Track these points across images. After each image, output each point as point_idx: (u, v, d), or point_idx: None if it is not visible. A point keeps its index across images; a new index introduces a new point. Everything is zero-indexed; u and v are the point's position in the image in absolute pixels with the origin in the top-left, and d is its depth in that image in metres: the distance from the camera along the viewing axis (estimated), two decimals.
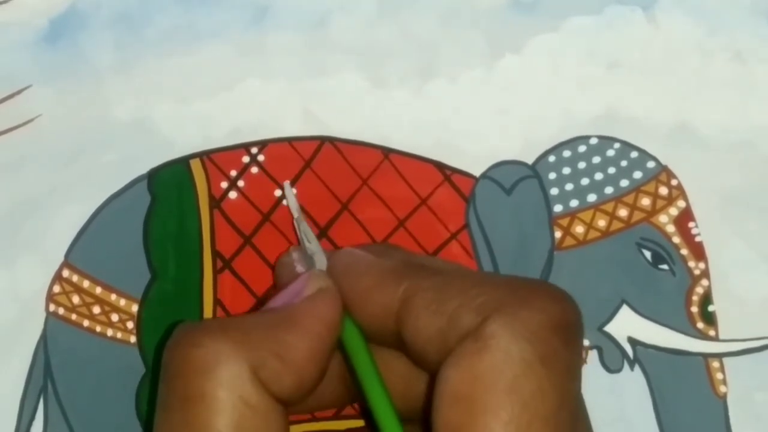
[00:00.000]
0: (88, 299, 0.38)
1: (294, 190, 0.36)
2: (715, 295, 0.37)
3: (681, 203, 0.38)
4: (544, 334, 0.27)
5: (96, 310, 0.38)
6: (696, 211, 0.38)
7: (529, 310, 0.27)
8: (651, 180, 0.38)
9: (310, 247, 0.34)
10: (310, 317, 0.30)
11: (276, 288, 0.36)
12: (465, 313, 0.27)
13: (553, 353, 0.26)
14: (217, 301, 0.37)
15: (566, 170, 0.38)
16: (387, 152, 0.38)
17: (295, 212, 0.35)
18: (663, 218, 0.37)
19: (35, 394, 0.37)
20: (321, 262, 0.33)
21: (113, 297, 0.38)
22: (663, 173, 0.38)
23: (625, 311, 0.37)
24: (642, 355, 0.37)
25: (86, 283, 0.38)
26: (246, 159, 0.38)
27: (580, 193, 0.38)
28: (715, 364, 0.37)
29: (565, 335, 0.27)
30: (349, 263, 0.32)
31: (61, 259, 0.38)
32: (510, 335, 0.26)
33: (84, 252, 0.38)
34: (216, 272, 0.37)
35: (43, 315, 0.38)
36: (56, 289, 0.38)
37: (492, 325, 0.26)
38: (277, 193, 0.38)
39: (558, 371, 0.26)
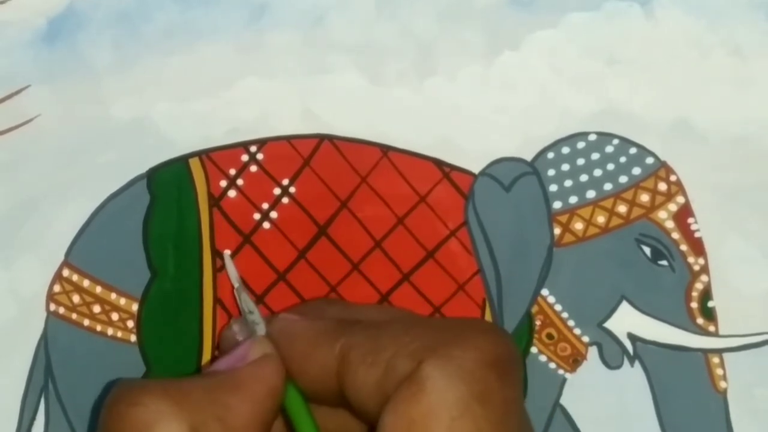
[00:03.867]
0: (89, 298, 0.38)
1: (232, 260, 0.37)
2: (715, 291, 0.37)
3: (680, 199, 0.38)
4: (478, 372, 0.27)
5: (96, 309, 0.38)
6: (695, 207, 0.37)
7: (461, 350, 0.27)
8: (650, 176, 0.38)
9: (251, 317, 0.34)
10: (253, 382, 0.30)
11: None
12: (400, 361, 0.28)
13: (488, 390, 0.27)
14: (216, 300, 0.37)
15: (565, 167, 0.38)
16: (386, 150, 0.38)
17: (235, 282, 0.36)
18: (662, 214, 0.37)
19: (36, 393, 0.37)
20: (260, 331, 0.33)
21: (113, 296, 0.38)
22: (662, 169, 0.38)
23: (624, 307, 0.37)
24: (642, 351, 0.37)
25: (86, 283, 0.38)
26: (245, 158, 0.38)
27: (579, 189, 0.38)
28: (715, 359, 0.37)
29: (499, 370, 0.27)
30: (284, 328, 0.32)
31: (61, 258, 0.38)
32: (444, 376, 0.26)
33: (84, 251, 0.38)
34: (215, 271, 0.37)
35: (44, 314, 0.38)
36: (56, 288, 0.38)
37: (426, 368, 0.27)
38: (277, 191, 0.38)
39: (495, 407, 0.27)
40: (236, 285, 0.35)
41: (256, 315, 0.34)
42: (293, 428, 0.31)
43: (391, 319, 0.32)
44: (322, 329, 0.31)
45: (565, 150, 0.38)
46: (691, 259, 0.37)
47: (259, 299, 0.37)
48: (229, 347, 0.34)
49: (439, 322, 0.30)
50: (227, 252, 0.37)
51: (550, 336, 0.37)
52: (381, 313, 0.33)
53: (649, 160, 0.38)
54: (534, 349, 0.38)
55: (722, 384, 0.37)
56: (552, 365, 0.37)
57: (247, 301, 0.34)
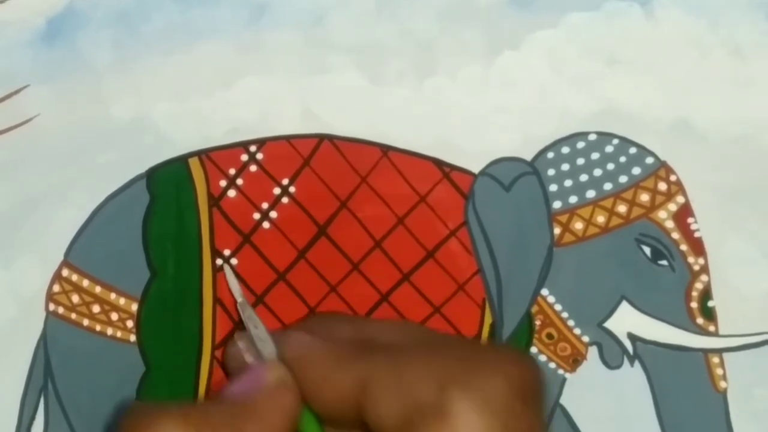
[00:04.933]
0: (88, 298, 0.38)
1: (234, 275, 0.35)
2: (715, 291, 0.37)
3: (680, 199, 0.38)
4: (505, 401, 0.26)
5: (96, 309, 0.38)
6: (695, 207, 0.37)
7: (486, 378, 0.27)
8: (650, 176, 0.38)
9: (257, 332, 0.33)
10: (270, 409, 0.30)
11: (226, 375, 0.35)
12: (424, 390, 0.27)
13: (515, 418, 0.26)
14: (216, 300, 0.37)
15: (565, 166, 0.38)
16: (386, 150, 0.38)
17: (239, 296, 0.34)
18: (662, 214, 0.37)
19: (35, 392, 0.37)
20: (269, 348, 0.32)
21: (113, 296, 0.38)
22: (662, 169, 0.38)
23: (624, 307, 0.37)
24: (642, 350, 0.37)
25: (86, 282, 0.38)
26: (245, 157, 0.38)
27: (578, 189, 0.38)
28: (715, 359, 0.37)
29: (525, 398, 0.27)
30: (300, 351, 0.31)
31: (60, 258, 0.38)
32: (471, 408, 0.26)
33: (83, 251, 0.38)
34: (215, 271, 0.37)
35: (43, 314, 0.38)
36: (56, 288, 0.38)
37: (452, 400, 0.26)
38: (276, 191, 0.38)
39: None
40: (239, 300, 0.34)
41: (261, 330, 0.33)
42: None
43: (410, 342, 0.31)
44: (339, 354, 0.30)
45: (565, 150, 0.38)
46: (691, 259, 0.37)
47: (258, 299, 0.37)
48: (236, 366, 0.33)
49: (462, 347, 0.30)
50: (227, 266, 0.37)
51: (550, 336, 0.37)
52: (397, 333, 0.32)
53: (649, 160, 0.38)
54: (534, 349, 0.38)
55: (722, 384, 0.37)
56: (552, 365, 0.37)
57: (252, 317, 0.33)
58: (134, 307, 0.38)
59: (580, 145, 0.38)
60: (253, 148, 0.38)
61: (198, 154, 0.38)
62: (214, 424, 0.28)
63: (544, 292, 0.37)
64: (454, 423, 0.26)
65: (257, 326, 0.33)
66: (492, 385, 0.27)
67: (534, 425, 0.27)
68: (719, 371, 0.37)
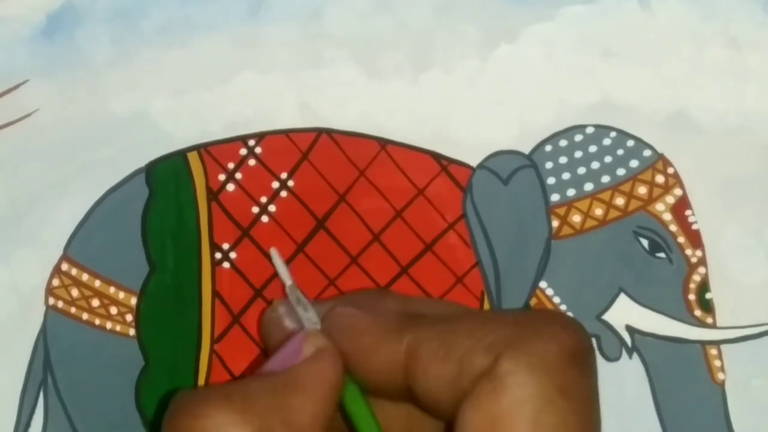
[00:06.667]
0: (87, 292, 0.38)
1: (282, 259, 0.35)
2: (713, 283, 0.37)
3: (677, 191, 0.38)
4: (560, 365, 0.26)
5: (95, 303, 0.38)
6: (692, 199, 0.38)
7: (541, 343, 0.27)
8: (647, 168, 0.38)
9: (307, 315, 0.32)
10: (313, 379, 0.29)
11: (264, 344, 0.35)
12: (475, 355, 0.27)
13: (571, 383, 0.26)
14: (215, 294, 0.37)
15: (563, 159, 0.38)
16: (384, 143, 0.38)
17: (288, 280, 0.34)
18: (660, 206, 0.38)
19: (35, 387, 0.38)
20: (313, 319, 0.32)
21: (112, 290, 0.38)
22: (659, 161, 0.38)
23: (622, 299, 0.37)
24: (640, 343, 0.37)
25: (85, 276, 0.38)
26: (243, 151, 0.38)
27: (576, 182, 0.38)
28: (713, 351, 0.37)
29: (580, 363, 0.27)
30: (346, 324, 0.31)
31: (60, 252, 0.38)
32: (525, 371, 0.26)
33: (83, 245, 0.38)
34: (214, 264, 0.38)
35: (43, 308, 0.38)
36: (55, 282, 0.38)
37: (505, 363, 0.26)
38: (275, 185, 0.38)
39: (579, 401, 0.26)
40: (288, 283, 0.33)
41: (311, 313, 0.32)
42: (352, 423, 0.31)
43: (458, 312, 0.31)
44: (387, 323, 0.30)
45: (563, 143, 0.38)
46: (688, 251, 0.37)
47: (257, 293, 0.37)
48: (275, 331, 0.33)
49: (514, 315, 0.29)
50: (274, 250, 0.35)
51: None
52: (443, 307, 0.32)
53: (647, 153, 0.38)
54: None
55: (720, 375, 0.37)
56: None
57: (301, 299, 0.33)
58: (133, 301, 0.38)
59: (578, 137, 0.38)
60: (251, 142, 0.38)
61: (197, 148, 0.38)
62: (257, 402, 0.28)
63: (543, 284, 0.38)
64: (508, 386, 0.26)
65: (307, 309, 0.32)
66: (544, 349, 0.26)
67: (586, 390, 0.27)
68: (717, 363, 0.37)
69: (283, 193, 0.38)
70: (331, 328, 0.31)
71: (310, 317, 0.32)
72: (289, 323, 0.33)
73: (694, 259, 0.37)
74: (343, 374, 0.30)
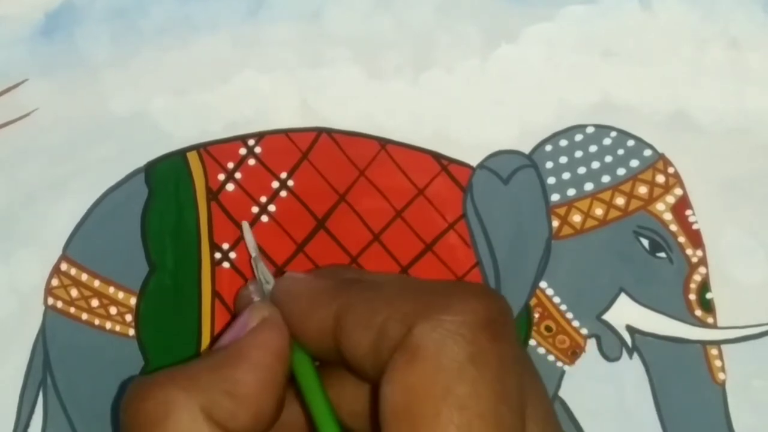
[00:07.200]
0: (87, 292, 0.38)
1: (251, 229, 0.37)
2: (713, 283, 0.37)
3: (678, 191, 0.38)
4: (469, 334, 0.26)
5: (94, 303, 0.38)
6: (693, 199, 0.37)
7: (451, 313, 0.27)
8: (648, 168, 0.38)
9: (268, 287, 0.33)
10: (255, 349, 0.30)
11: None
12: (392, 325, 0.27)
13: (482, 351, 0.26)
14: (215, 293, 0.37)
15: (563, 159, 0.38)
16: (384, 143, 0.38)
17: (253, 251, 0.35)
18: (660, 206, 0.38)
19: (35, 387, 0.37)
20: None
21: (111, 290, 0.38)
22: (660, 161, 0.38)
23: (623, 299, 0.37)
24: (640, 343, 0.37)
25: (84, 277, 0.38)
26: (243, 151, 0.38)
27: (577, 182, 0.38)
28: (714, 351, 0.37)
29: (491, 331, 0.27)
30: (287, 288, 0.32)
31: (59, 252, 0.38)
32: (436, 341, 0.26)
33: (82, 245, 0.38)
34: (214, 264, 0.37)
35: (42, 308, 0.38)
36: (54, 282, 0.38)
37: (417, 334, 0.26)
38: (275, 185, 0.38)
39: (490, 368, 0.26)
40: (253, 254, 0.35)
41: (272, 285, 0.33)
42: (300, 389, 0.31)
43: (388, 280, 0.32)
44: (321, 288, 0.30)
45: (563, 142, 0.38)
46: (689, 251, 0.37)
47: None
48: (244, 307, 0.33)
49: (431, 286, 0.30)
50: (245, 223, 0.37)
51: (548, 328, 0.37)
52: (385, 277, 0.33)
53: (647, 152, 0.38)
54: (532, 342, 0.38)
55: (721, 375, 0.37)
56: (551, 357, 0.37)
57: (264, 272, 0.34)
58: (133, 301, 0.38)
59: (578, 137, 0.38)
60: (251, 142, 0.38)
61: (196, 148, 0.38)
62: (202, 378, 0.29)
63: (543, 284, 0.37)
64: (420, 357, 0.26)
65: (269, 281, 0.33)
66: (457, 320, 0.26)
67: (504, 358, 0.27)
68: (718, 363, 0.37)
69: (283, 193, 0.38)
70: (276, 294, 0.32)
71: (270, 289, 0.33)
72: (256, 298, 0.34)
73: (694, 259, 0.37)
74: (289, 341, 0.30)
